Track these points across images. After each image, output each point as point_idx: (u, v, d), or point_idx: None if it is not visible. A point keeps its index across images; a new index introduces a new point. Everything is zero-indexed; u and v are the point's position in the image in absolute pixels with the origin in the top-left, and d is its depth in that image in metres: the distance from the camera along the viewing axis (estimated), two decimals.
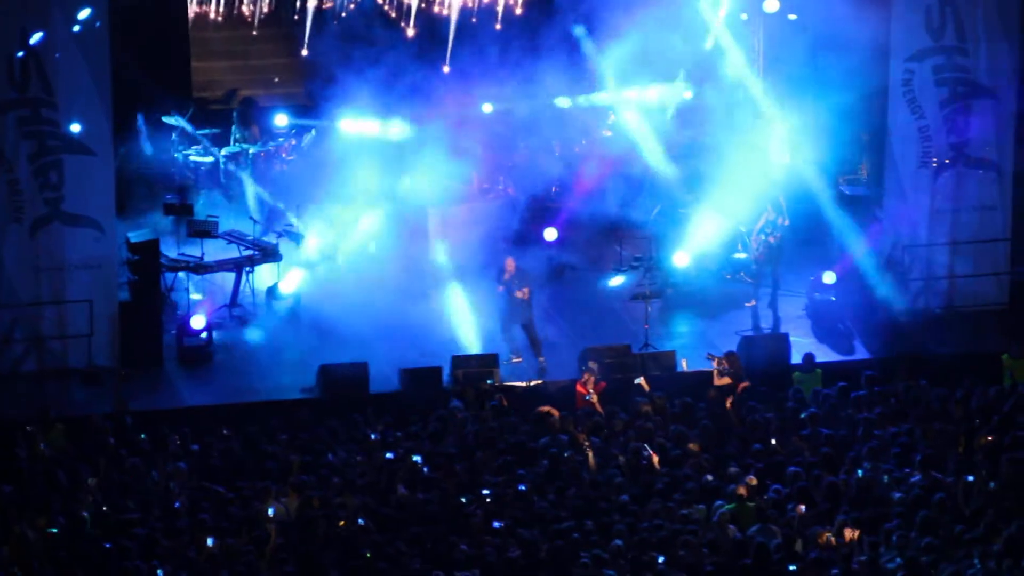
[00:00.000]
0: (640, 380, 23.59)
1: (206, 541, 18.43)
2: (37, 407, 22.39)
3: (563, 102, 30.22)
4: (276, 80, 32.38)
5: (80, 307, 24.66)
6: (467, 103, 30.24)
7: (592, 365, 23.82)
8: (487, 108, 30.55)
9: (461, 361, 24.71)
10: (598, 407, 22.95)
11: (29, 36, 24.04)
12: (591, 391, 23.34)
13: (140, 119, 29.54)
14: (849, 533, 18.67)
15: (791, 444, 21.50)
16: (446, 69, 30.86)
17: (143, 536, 18.59)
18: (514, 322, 25.52)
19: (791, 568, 17.83)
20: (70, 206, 24.65)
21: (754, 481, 19.96)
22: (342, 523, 18.98)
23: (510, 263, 25.68)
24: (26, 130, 24.38)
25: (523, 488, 19.82)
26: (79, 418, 22.39)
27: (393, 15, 31.70)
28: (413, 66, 29.90)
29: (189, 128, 30.17)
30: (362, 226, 28.17)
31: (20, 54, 24.07)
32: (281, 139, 31.05)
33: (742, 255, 28.00)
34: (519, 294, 25.42)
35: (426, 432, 21.88)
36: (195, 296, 26.69)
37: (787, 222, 26.97)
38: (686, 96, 30.78)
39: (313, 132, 30.72)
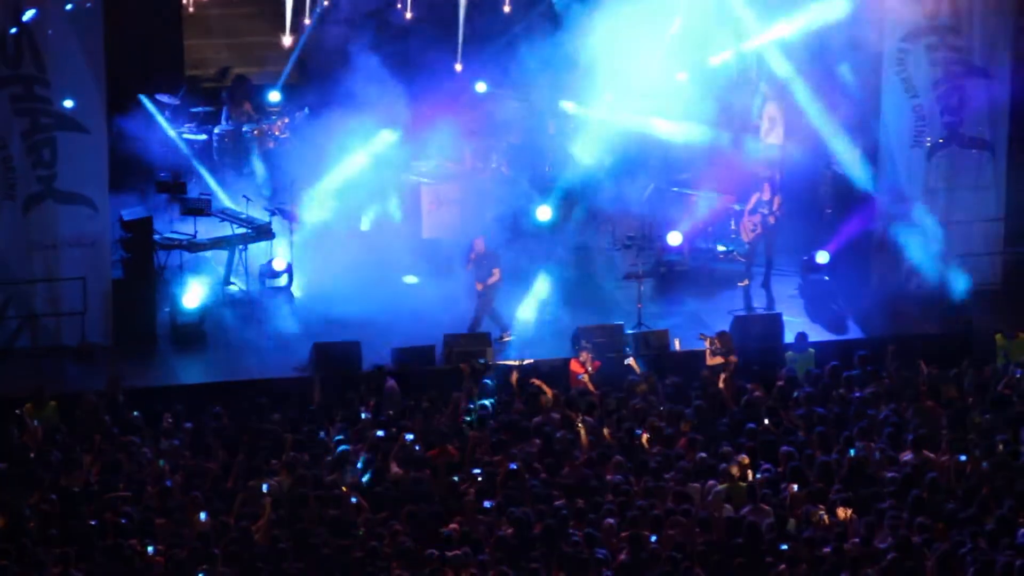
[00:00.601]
0: (630, 360, 23.60)
1: (198, 517, 18.45)
2: (31, 385, 22.36)
3: (569, 106, 30.09)
4: (269, 58, 32.28)
5: (73, 284, 24.66)
6: (465, 88, 30.25)
7: (586, 344, 23.83)
8: (481, 87, 30.53)
9: (453, 340, 24.70)
10: (591, 386, 22.97)
11: (22, 13, 23.98)
12: (588, 370, 23.34)
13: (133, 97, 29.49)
14: (842, 512, 18.69)
15: (783, 424, 21.51)
16: (458, 67, 30.65)
17: (136, 514, 18.59)
18: (491, 301, 25.48)
19: (783, 547, 17.85)
20: (63, 184, 24.63)
21: (746, 460, 19.98)
22: (344, 489, 19.07)
23: (479, 243, 25.61)
24: (19, 107, 24.34)
25: (515, 467, 19.83)
26: (72, 395, 22.37)
27: None
28: (413, 54, 29.83)
29: (161, 119, 30.05)
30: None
31: (13, 31, 24.00)
32: (274, 117, 31.00)
33: (734, 235, 28.02)
34: (479, 286, 25.31)
35: (419, 411, 21.87)
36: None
37: (779, 202, 26.94)
38: (679, 78, 30.73)
39: (306, 110, 30.68)
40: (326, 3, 31.00)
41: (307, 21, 31.28)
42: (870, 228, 27.15)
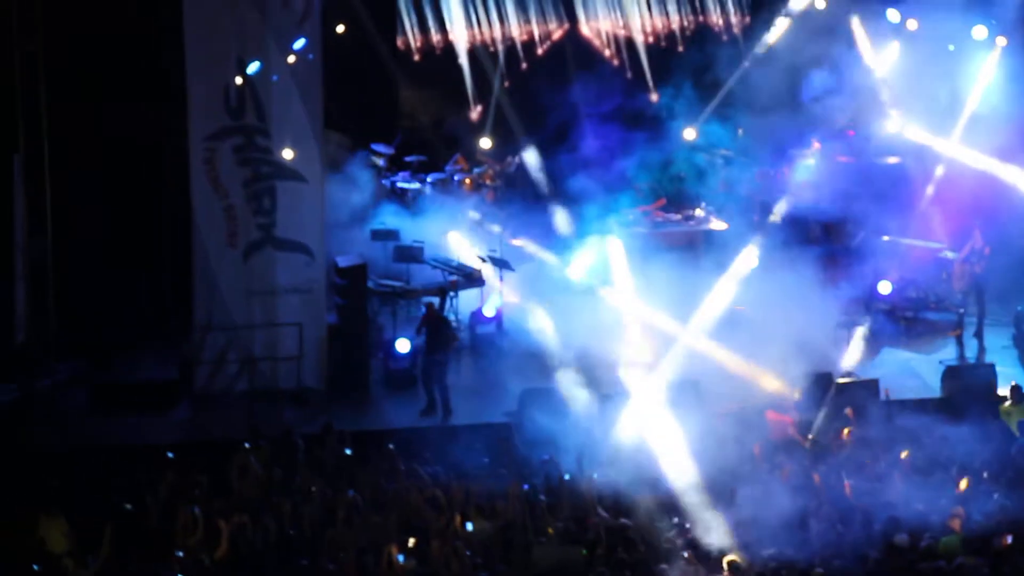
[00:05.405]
0: (847, 410, 23.33)
1: (397, 559, 18.70)
2: (249, 428, 22.83)
3: None
4: (479, 109, 32.78)
5: (290, 330, 25.11)
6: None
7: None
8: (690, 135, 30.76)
9: None
10: (798, 436, 22.81)
11: (246, 65, 24.66)
12: (787, 419, 23.21)
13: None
14: None
15: (998, 475, 21.17)
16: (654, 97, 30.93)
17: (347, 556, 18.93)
18: (434, 377, 24.81)
19: None
20: (282, 231, 25.15)
21: (962, 512, 19.71)
22: (550, 531, 19.23)
23: (431, 308, 25.39)
24: (241, 157, 24.94)
25: None
26: (287, 438, 22.78)
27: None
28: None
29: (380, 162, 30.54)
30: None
31: (237, 82, 24.69)
32: (485, 165, 31.45)
33: (946, 284, 27.64)
34: (433, 353, 24.79)
35: None
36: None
37: (989, 251, 26.48)
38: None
39: (517, 158, 31.06)
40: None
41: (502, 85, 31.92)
42: None
